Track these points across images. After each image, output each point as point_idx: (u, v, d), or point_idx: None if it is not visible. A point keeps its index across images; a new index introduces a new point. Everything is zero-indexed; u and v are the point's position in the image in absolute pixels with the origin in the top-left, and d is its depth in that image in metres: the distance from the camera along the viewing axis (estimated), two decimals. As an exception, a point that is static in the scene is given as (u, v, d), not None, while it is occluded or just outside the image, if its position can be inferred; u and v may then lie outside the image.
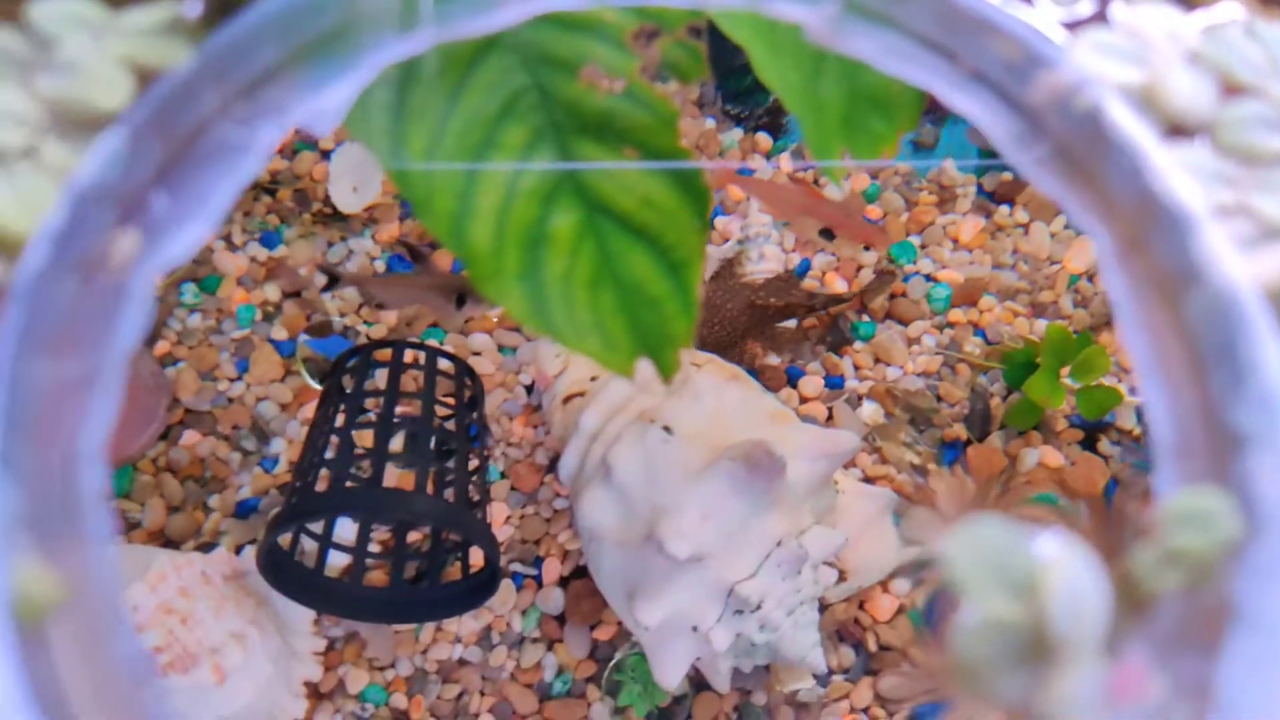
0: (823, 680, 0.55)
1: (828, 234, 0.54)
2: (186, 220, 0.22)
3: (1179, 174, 0.23)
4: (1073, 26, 0.24)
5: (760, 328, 0.58)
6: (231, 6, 0.24)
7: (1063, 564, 0.19)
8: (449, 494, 0.52)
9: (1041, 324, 0.60)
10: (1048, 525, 0.20)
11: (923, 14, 0.25)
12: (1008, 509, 0.54)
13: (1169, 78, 0.24)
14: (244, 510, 0.56)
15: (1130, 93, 0.24)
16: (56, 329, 0.21)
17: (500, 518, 0.56)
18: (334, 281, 0.50)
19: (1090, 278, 0.61)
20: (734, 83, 0.62)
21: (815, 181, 0.63)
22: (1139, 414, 0.57)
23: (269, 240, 0.60)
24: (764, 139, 0.63)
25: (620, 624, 0.55)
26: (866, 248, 0.60)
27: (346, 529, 0.53)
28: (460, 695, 0.54)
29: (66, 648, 0.19)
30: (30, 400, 0.20)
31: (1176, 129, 0.24)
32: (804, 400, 0.59)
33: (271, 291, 0.59)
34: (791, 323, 0.60)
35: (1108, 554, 0.20)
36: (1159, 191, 0.23)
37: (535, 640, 0.55)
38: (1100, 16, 0.25)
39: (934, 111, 0.62)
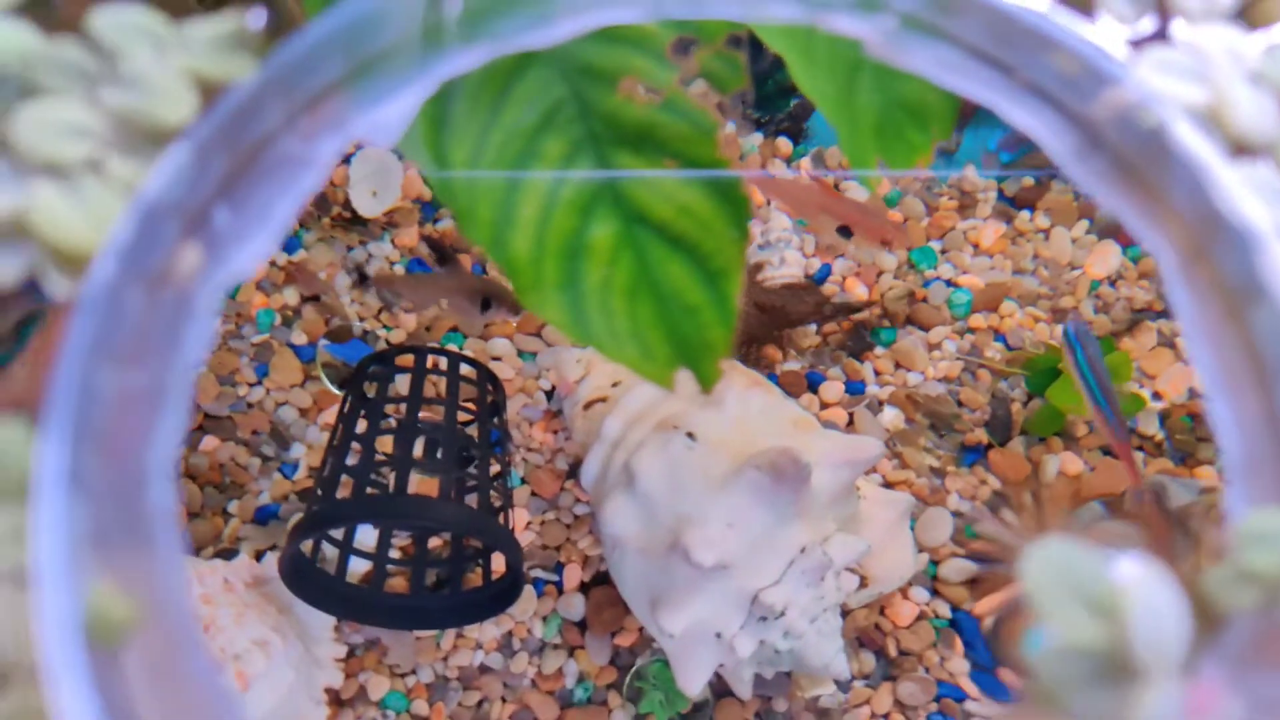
0: (844, 686, 0.55)
1: (845, 232, 0.54)
2: (249, 235, 0.22)
3: (1245, 193, 0.23)
4: (1135, 44, 0.24)
5: (770, 331, 0.58)
6: (289, 20, 0.24)
7: (1142, 585, 0.19)
8: (471, 500, 0.52)
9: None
10: (1119, 545, 0.20)
11: (981, 29, 0.25)
12: (1058, 520, 0.54)
13: (1232, 97, 0.24)
14: (263, 516, 0.56)
15: (1193, 111, 0.24)
16: (124, 343, 0.21)
17: (521, 524, 0.56)
18: (363, 279, 0.50)
19: (1112, 282, 0.61)
20: (757, 89, 0.62)
21: (836, 186, 0.63)
22: (1162, 419, 0.58)
23: (288, 244, 0.59)
24: (784, 143, 0.63)
25: (641, 630, 0.55)
26: (884, 244, 0.60)
27: (368, 534, 0.53)
28: (481, 702, 0.54)
29: (140, 671, 0.19)
30: (99, 414, 0.20)
31: (1240, 148, 0.24)
32: (825, 406, 0.59)
33: (291, 296, 0.59)
34: (812, 328, 0.60)
35: (1168, 563, 0.20)
36: (1224, 210, 0.23)
37: (556, 647, 0.55)
38: (1161, 34, 0.25)
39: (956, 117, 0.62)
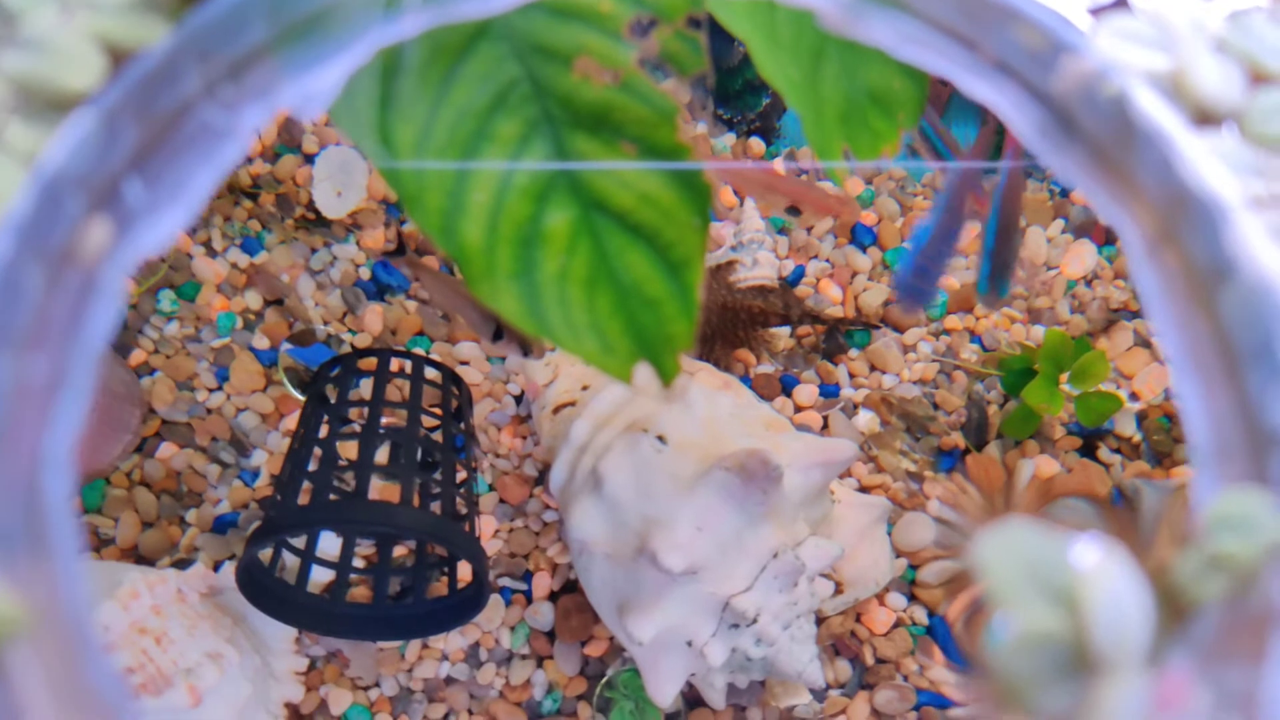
0: (819, 695, 0.53)
1: (794, 211, 0.53)
2: (162, 209, 0.21)
3: (1210, 163, 0.22)
4: (1095, 12, 0.24)
5: (735, 332, 0.56)
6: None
7: (1103, 572, 0.18)
8: (435, 507, 0.50)
9: (1039, 330, 0.59)
10: (1082, 530, 0.19)
11: (942, 0, 0.24)
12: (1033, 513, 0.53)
13: (1195, 65, 0.23)
14: (221, 525, 0.54)
15: (1156, 81, 0.23)
16: (21, 325, 0.19)
17: (488, 531, 0.55)
18: (401, 250, 0.48)
19: (1088, 282, 0.60)
20: (726, 86, 0.61)
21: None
22: (1139, 420, 0.57)
23: (250, 246, 0.58)
24: (756, 143, 0.62)
25: (612, 639, 0.54)
26: (834, 218, 0.59)
27: (330, 544, 0.51)
28: (447, 715, 0.53)
29: (30, 676, 0.18)
30: (-9, 402, 0.19)
31: (1204, 118, 0.23)
32: (799, 409, 0.58)
33: (252, 299, 0.57)
34: (785, 330, 0.59)
35: (1137, 555, 0.19)
36: (1190, 182, 0.22)
37: (524, 657, 0.54)
38: (1122, 2, 0.24)
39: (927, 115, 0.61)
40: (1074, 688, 0.18)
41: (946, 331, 0.59)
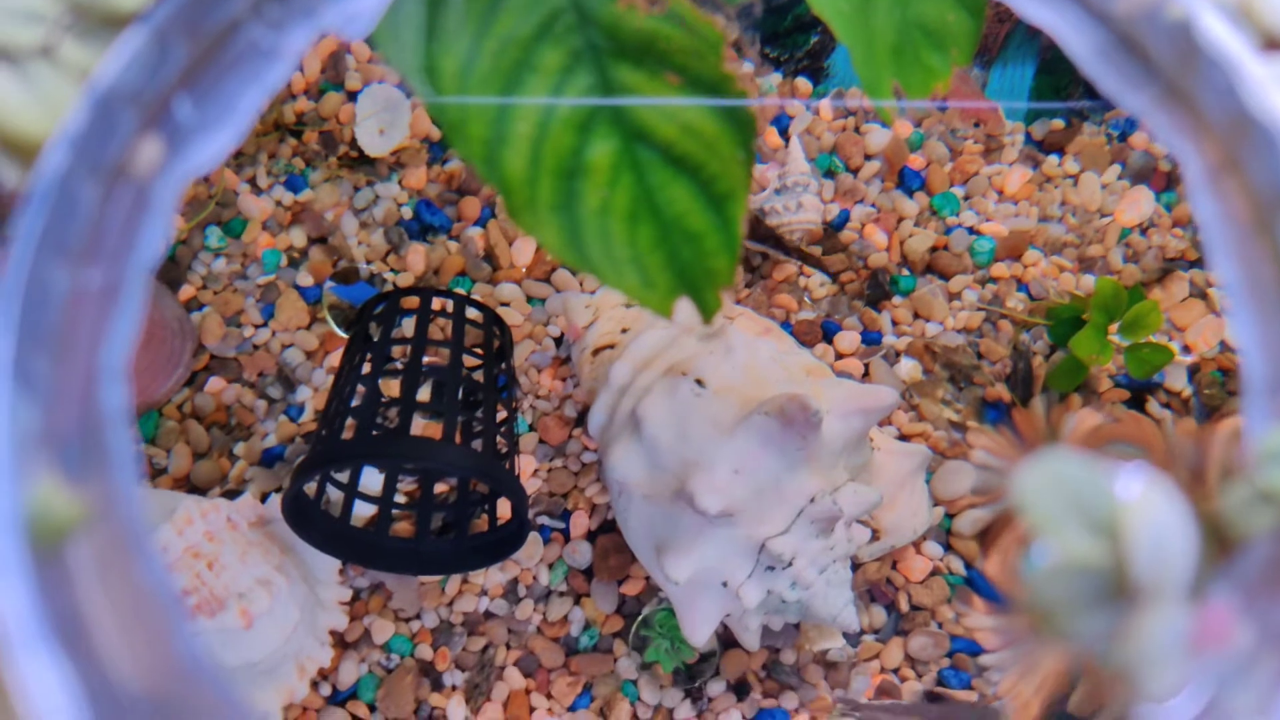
0: (853, 640, 0.54)
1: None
2: (212, 128, 0.21)
3: (1277, 91, 0.21)
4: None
5: None
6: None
7: (1146, 501, 0.18)
8: (477, 445, 0.51)
9: (1089, 279, 0.57)
10: (1128, 459, 0.19)
11: (998, -83, 0.23)
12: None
13: (1267, -14, 0.22)
14: (269, 458, 0.55)
15: (1223, 5, 0.22)
16: (76, 236, 0.20)
17: (528, 470, 0.56)
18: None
19: (1144, 230, 0.58)
20: (773, 24, 0.60)
21: (857, 130, 0.61)
22: (1190, 374, 0.55)
23: (294, 184, 0.58)
24: (804, 83, 0.61)
25: (648, 579, 0.54)
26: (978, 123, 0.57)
27: (373, 480, 0.53)
28: (486, 648, 0.54)
29: (86, 573, 0.18)
30: (49, 310, 0.19)
31: (1272, 44, 0.22)
32: (840, 356, 0.57)
33: (297, 236, 0.58)
34: (827, 278, 0.58)
35: (1184, 487, 0.19)
36: (1256, 109, 0.21)
37: (562, 594, 0.55)
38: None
39: (982, 55, 0.59)
40: (1111, 616, 0.18)
41: (993, 279, 0.58)
